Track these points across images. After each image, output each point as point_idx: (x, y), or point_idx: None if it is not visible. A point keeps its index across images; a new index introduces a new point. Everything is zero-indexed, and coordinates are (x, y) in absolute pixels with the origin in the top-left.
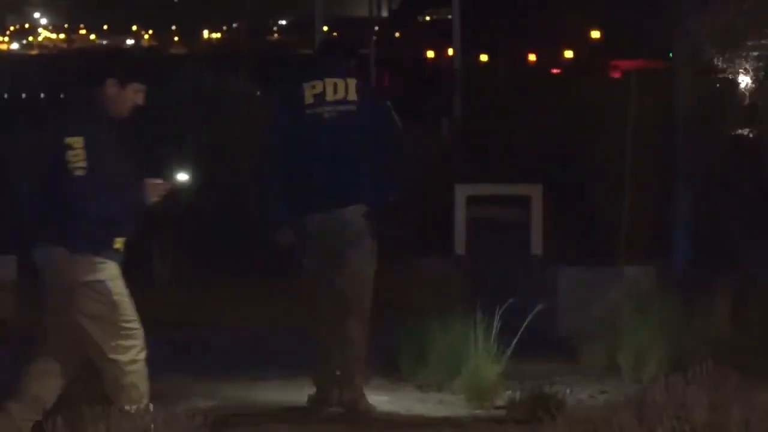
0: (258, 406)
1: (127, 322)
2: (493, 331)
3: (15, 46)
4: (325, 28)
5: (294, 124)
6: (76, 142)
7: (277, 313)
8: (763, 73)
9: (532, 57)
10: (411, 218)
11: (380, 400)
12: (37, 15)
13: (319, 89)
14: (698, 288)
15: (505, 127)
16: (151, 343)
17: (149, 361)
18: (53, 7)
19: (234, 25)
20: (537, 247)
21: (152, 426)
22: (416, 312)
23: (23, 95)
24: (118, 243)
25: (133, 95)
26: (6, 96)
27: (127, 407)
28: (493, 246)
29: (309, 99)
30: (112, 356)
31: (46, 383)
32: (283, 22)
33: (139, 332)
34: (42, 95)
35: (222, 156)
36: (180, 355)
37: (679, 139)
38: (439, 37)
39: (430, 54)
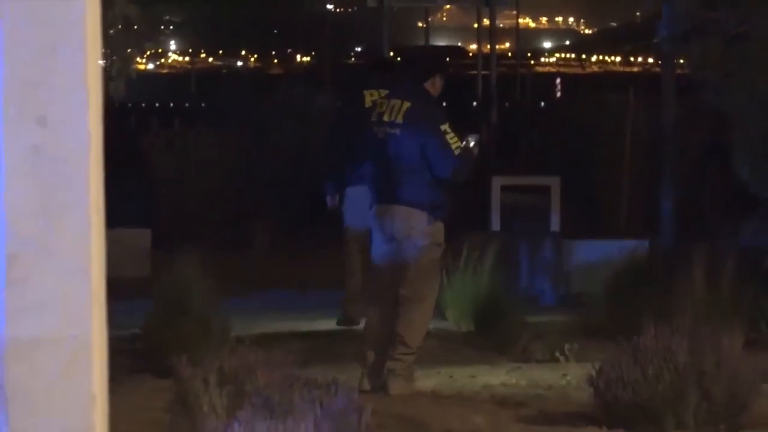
0: (338, 349)
1: (438, 278)
2: (522, 291)
3: (151, 66)
4: (392, 54)
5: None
6: (447, 127)
7: None
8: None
9: None
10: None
11: (431, 344)
12: (175, 42)
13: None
14: (680, 258)
15: (532, 133)
16: (252, 298)
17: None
18: (181, 35)
19: (297, 54)
20: (555, 225)
21: (256, 363)
22: (462, 275)
23: (156, 104)
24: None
25: (443, 84)
26: (143, 105)
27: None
28: (521, 224)
29: (374, 116)
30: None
31: None
32: (358, 49)
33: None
34: (171, 104)
35: (308, 152)
36: (276, 307)
37: (666, 143)
38: None
39: None
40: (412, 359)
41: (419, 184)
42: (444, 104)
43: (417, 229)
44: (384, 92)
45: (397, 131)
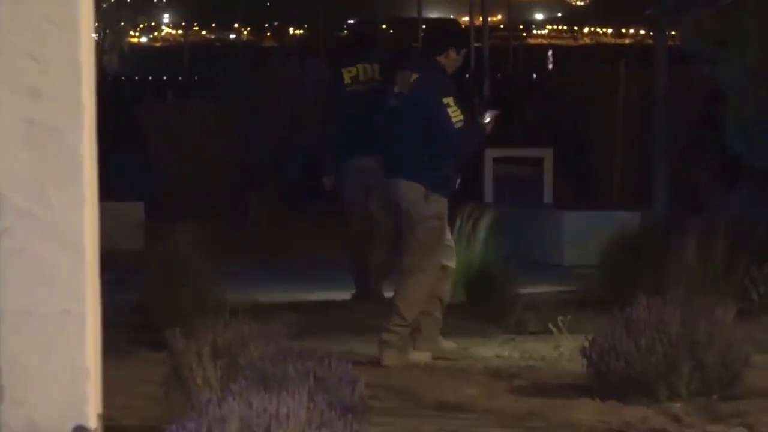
0: (332, 321)
1: (445, 247)
2: (514, 262)
3: (144, 39)
4: (384, 26)
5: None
6: (451, 100)
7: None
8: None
9: None
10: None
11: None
12: (169, 15)
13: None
14: (672, 229)
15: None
16: (248, 270)
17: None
18: (174, 8)
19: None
20: (548, 196)
21: (250, 335)
22: (455, 246)
23: (149, 77)
24: (456, 184)
25: (459, 58)
26: (136, 78)
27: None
28: (514, 196)
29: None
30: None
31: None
32: (351, 21)
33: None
34: (164, 77)
35: (303, 125)
36: (270, 279)
37: (658, 114)
38: None
39: None
40: (407, 331)
41: (419, 157)
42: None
43: (415, 202)
44: (362, 66)
45: (403, 102)
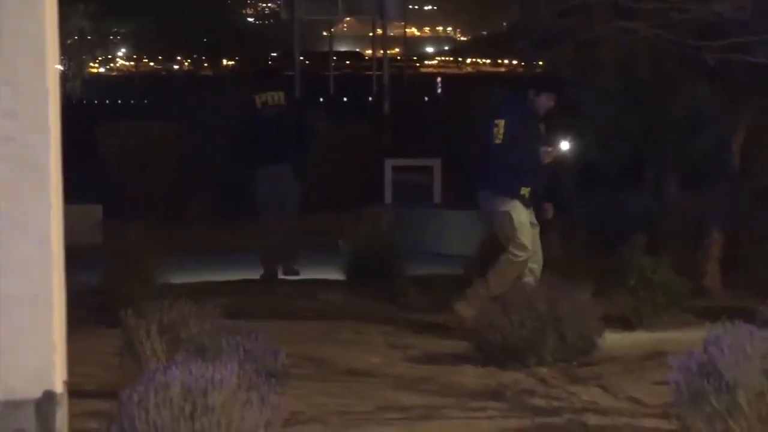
0: (258, 301)
1: (518, 242)
2: (410, 253)
3: (102, 69)
4: (301, 58)
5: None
6: (500, 123)
7: None
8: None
9: None
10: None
11: (336, 297)
12: (123, 49)
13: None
14: (541, 226)
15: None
16: (188, 260)
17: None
18: (127, 43)
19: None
20: (437, 198)
21: (189, 314)
22: (360, 240)
23: (106, 101)
24: (524, 191)
25: (547, 102)
26: (95, 102)
27: (490, 280)
28: (409, 198)
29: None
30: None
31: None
32: (275, 54)
33: (527, 250)
34: (119, 101)
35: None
36: (209, 266)
37: None
38: None
39: None
40: (483, 293)
41: (485, 167)
42: (346, 99)
43: (485, 204)
44: (271, 94)
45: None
